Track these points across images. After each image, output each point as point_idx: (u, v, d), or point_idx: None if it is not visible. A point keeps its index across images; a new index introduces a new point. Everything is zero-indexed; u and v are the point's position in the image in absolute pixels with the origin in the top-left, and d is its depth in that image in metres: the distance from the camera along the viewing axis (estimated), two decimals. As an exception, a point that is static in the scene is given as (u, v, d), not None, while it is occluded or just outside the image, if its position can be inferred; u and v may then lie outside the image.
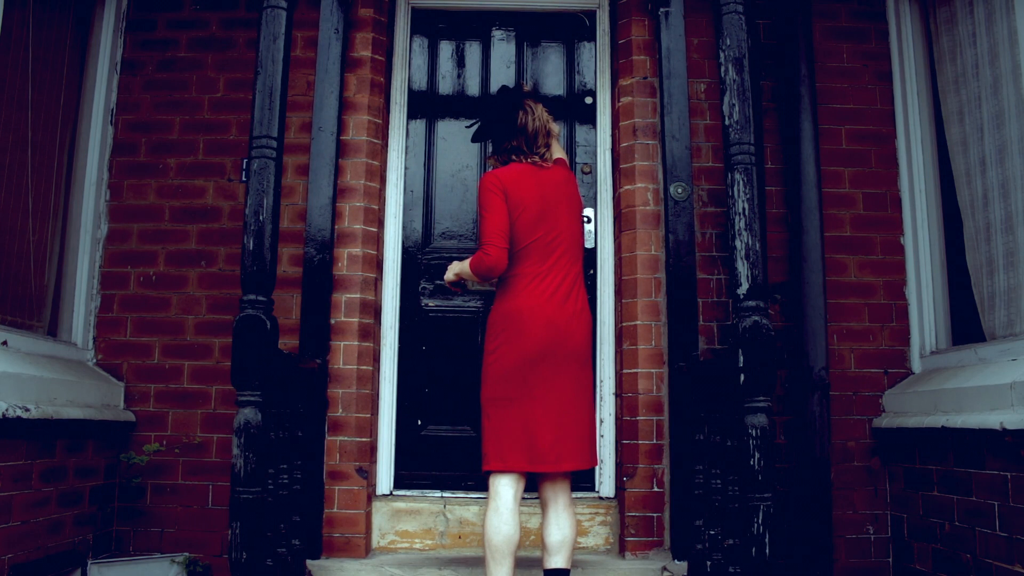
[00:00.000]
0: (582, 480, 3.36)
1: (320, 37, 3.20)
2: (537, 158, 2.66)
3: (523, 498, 2.55)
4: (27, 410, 2.57)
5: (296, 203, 3.31)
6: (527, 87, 2.86)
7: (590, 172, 3.59)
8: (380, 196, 3.38)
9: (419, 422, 3.42)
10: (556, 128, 2.76)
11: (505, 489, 2.46)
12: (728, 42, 2.51)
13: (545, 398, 2.48)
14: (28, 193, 3.05)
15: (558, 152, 2.85)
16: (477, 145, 3.55)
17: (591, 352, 2.65)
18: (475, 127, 2.91)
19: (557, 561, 2.47)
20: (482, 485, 3.16)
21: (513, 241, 2.56)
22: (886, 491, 3.18)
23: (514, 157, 2.67)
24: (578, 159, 3.61)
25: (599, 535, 3.20)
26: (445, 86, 3.69)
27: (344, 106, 3.25)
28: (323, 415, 3.07)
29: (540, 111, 2.69)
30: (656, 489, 3.04)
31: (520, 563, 2.59)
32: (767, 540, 2.29)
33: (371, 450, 3.17)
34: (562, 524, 2.50)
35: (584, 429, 2.55)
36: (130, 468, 3.13)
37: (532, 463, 2.46)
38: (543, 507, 2.57)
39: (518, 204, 2.56)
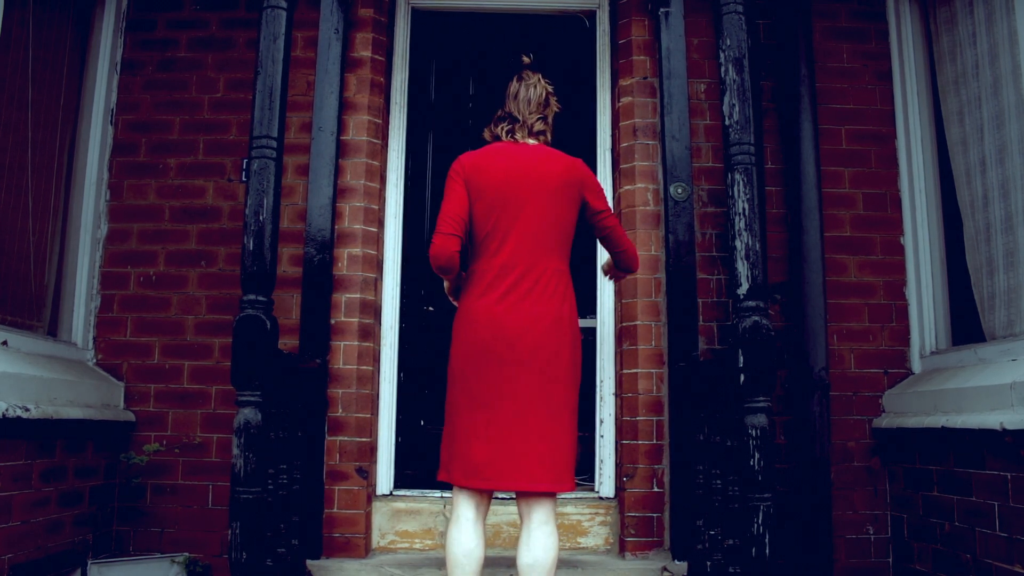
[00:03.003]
0: (582, 480, 3.36)
1: (320, 37, 3.20)
2: (525, 133, 2.41)
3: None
4: (27, 410, 2.57)
5: (296, 203, 3.31)
6: (527, 59, 2.55)
7: (590, 172, 3.58)
8: (380, 196, 3.38)
9: (422, 422, 3.42)
10: (556, 104, 2.49)
11: (463, 500, 2.26)
12: (728, 42, 2.51)
13: (492, 408, 2.23)
14: (28, 193, 3.05)
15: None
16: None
17: (569, 361, 2.29)
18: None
19: None
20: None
21: (475, 232, 2.34)
22: (886, 491, 3.18)
23: (502, 128, 2.43)
24: (578, 159, 3.61)
25: (599, 535, 3.20)
26: (445, 87, 3.69)
27: (344, 106, 3.25)
28: (323, 415, 3.07)
29: (537, 80, 2.45)
30: (656, 489, 3.04)
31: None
32: (767, 540, 2.28)
33: (371, 450, 3.17)
34: (532, 545, 2.20)
35: (542, 448, 2.22)
36: (130, 468, 3.13)
37: (467, 477, 2.23)
38: (520, 524, 2.28)
39: (478, 188, 2.31)
